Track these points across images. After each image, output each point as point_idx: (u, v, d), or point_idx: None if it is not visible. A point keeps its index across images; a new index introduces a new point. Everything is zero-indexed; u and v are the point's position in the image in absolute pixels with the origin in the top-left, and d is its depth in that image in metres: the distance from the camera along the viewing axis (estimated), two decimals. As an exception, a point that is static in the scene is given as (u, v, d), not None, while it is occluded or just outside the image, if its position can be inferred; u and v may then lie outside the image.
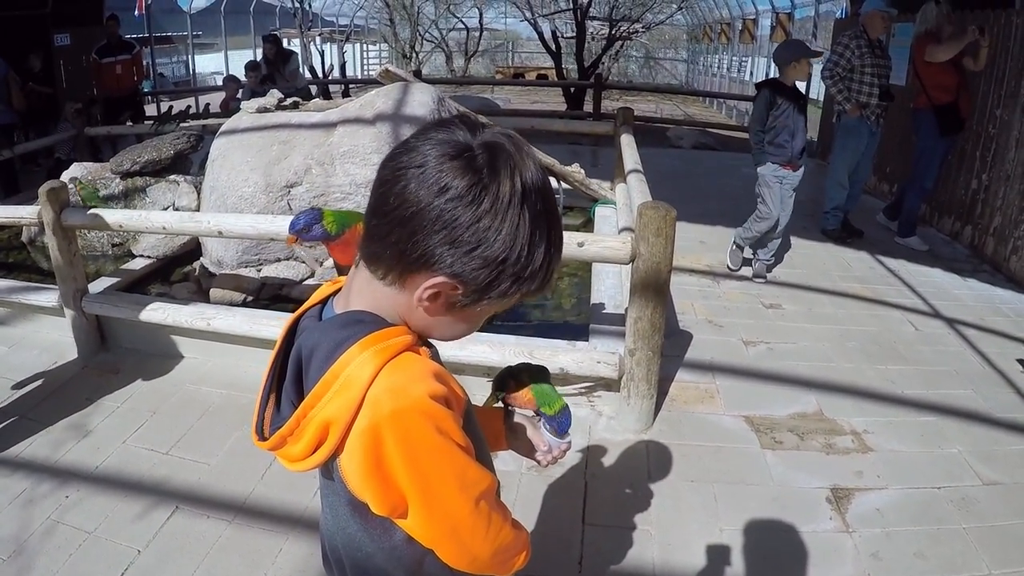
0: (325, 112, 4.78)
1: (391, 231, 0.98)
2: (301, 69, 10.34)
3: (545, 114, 13.57)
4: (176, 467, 3.43)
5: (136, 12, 16.18)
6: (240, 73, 10.97)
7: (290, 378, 1.10)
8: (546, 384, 1.51)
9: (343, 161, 4.48)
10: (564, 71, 17.32)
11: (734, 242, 5.83)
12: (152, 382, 4.18)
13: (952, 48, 5.96)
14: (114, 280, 4.91)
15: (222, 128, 4.95)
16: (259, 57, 11.03)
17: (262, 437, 1.11)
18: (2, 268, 6.13)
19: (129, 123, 8.95)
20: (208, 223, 3.65)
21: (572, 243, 3.34)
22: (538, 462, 1.51)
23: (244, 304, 4.49)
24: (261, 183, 4.47)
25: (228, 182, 4.56)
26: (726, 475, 3.35)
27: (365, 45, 27.01)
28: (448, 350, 3.57)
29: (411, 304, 1.05)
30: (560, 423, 1.48)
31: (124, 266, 5.27)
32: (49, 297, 4.53)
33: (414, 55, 22.98)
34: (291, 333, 1.17)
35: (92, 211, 4.15)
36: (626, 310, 3.60)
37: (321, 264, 4.70)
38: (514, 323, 4.56)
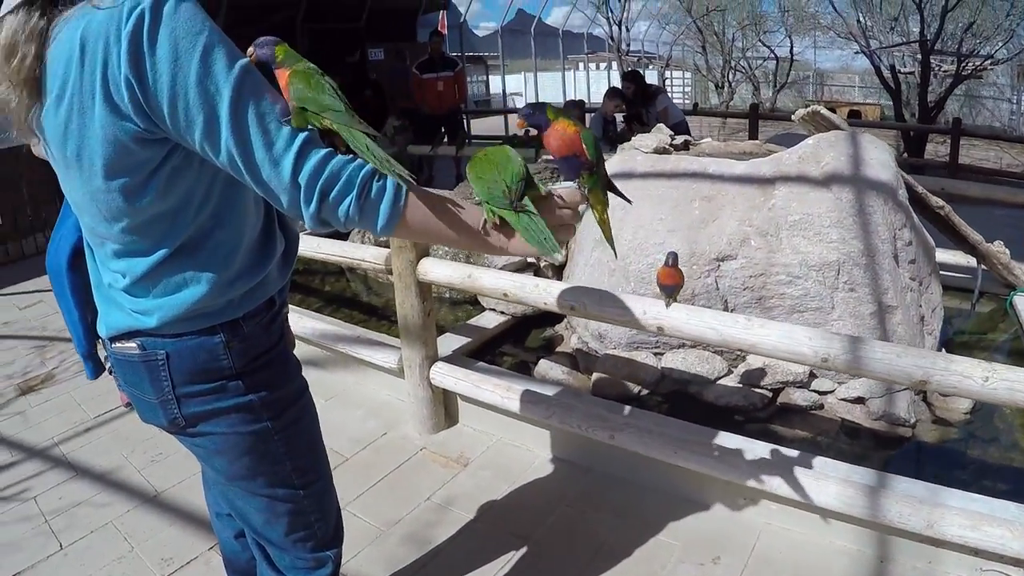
0: (752, 163, 3.69)
1: None
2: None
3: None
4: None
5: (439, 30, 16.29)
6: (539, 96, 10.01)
7: None
8: None
9: (792, 233, 3.35)
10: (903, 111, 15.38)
11: None
12: (519, 491, 3.23)
13: None
14: (462, 340, 4.06)
15: (612, 168, 3.96)
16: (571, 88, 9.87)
17: None
18: (316, 296, 5.58)
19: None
20: (644, 313, 2.62)
21: None
22: None
23: (639, 399, 3.47)
24: (683, 251, 3.42)
25: (633, 243, 3.55)
26: None
27: (670, 72, 26.26)
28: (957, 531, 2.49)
29: None
30: None
31: (473, 320, 4.40)
32: (387, 357, 3.75)
33: (727, 85, 21.95)
34: None
35: (467, 268, 3.29)
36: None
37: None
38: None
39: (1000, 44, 16.68)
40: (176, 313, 1.45)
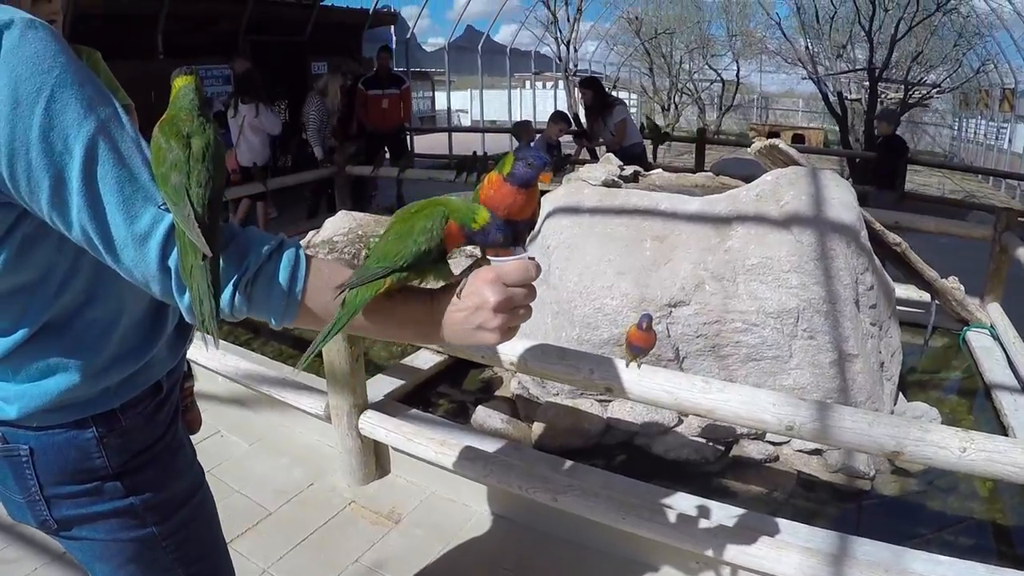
0: (707, 199, 3.47)
1: None
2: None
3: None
4: None
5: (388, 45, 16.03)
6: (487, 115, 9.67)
7: None
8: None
9: (749, 278, 3.14)
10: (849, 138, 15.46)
11: None
12: (454, 552, 2.96)
13: None
14: (395, 383, 3.77)
15: (557, 201, 3.72)
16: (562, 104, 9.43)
17: None
18: (245, 326, 5.23)
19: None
20: (591, 373, 2.37)
21: None
22: None
23: (583, 453, 3.23)
24: (634, 295, 3.18)
25: (579, 285, 3.31)
26: None
27: (616, 93, 26.40)
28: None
29: None
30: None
31: (407, 359, 4.11)
32: (314, 403, 3.44)
33: (673, 107, 21.99)
34: None
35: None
36: None
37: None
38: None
39: (946, 74, 16.90)
40: (40, 404, 1.18)
